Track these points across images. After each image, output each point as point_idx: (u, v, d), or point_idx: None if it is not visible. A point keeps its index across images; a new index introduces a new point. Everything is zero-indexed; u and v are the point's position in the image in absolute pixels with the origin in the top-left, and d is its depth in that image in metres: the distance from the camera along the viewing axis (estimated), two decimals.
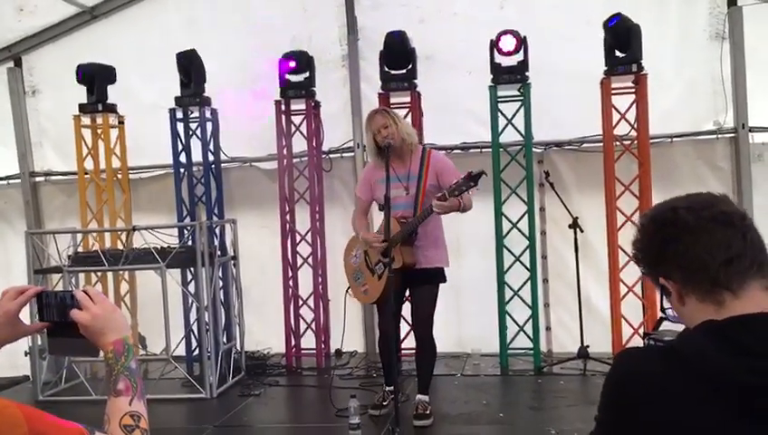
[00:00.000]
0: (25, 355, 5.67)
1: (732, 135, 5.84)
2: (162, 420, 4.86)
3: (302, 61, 6.09)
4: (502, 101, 5.73)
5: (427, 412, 4.48)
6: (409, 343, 5.30)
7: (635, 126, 5.59)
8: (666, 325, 4.57)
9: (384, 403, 4.65)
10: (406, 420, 4.36)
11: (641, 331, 5.43)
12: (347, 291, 4.79)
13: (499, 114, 5.71)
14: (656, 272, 1.29)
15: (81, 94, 6.30)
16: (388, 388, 4.70)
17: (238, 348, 6.00)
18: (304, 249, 6.38)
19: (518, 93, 5.68)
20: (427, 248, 4.47)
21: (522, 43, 5.50)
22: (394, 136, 4.40)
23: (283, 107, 6.27)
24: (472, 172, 4.11)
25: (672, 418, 1.15)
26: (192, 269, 5.76)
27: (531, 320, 5.74)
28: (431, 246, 4.48)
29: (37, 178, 7.17)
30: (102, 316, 1.46)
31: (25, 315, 1.59)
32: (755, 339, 1.14)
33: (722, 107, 5.82)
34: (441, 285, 4.58)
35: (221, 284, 6.05)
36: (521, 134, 5.71)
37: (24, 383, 6.03)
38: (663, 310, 1.33)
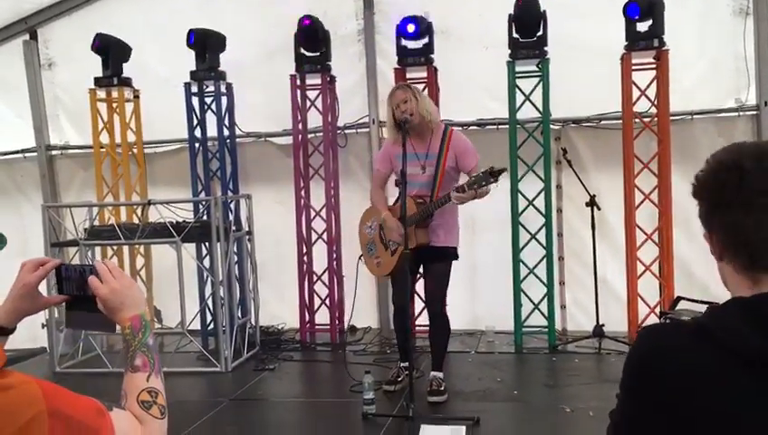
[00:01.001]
0: (42, 327, 5.73)
1: (754, 112, 5.75)
2: (177, 394, 4.90)
3: (319, 31, 6.01)
4: (519, 77, 5.66)
5: (442, 389, 4.49)
6: (423, 320, 5.30)
7: (655, 103, 5.50)
8: (683, 305, 4.53)
9: (399, 379, 4.66)
10: (420, 397, 4.37)
11: (657, 310, 5.40)
12: (359, 258, 4.80)
13: (517, 90, 5.65)
14: (704, 221, 1.24)
15: (96, 68, 6.29)
16: (402, 364, 4.70)
17: (253, 323, 6.03)
18: (319, 225, 6.37)
19: (536, 69, 5.61)
20: (442, 227, 4.47)
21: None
22: (413, 111, 4.36)
23: (298, 81, 6.23)
24: (494, 168, 4.06)
25: (699, 395, 1.12)
26: (207, 244, 5.77)
27: (546, 298, 5.71)
28: (445, 227, 4.48)
29: (53, 152, 7.19)
30: (121, 291, 1.45)
31: (43, 288, 1.58)
32: None
33: (744, 84, 5.72)
34: (456, 263, 4.58)
35: (236, 259, 6.06)
36: (538, 111, 5.64)
37: (42, 355, 6.10)
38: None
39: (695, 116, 5.77)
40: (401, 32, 5.75)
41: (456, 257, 4.58)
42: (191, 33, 5.97)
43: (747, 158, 1.18)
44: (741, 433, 1.09)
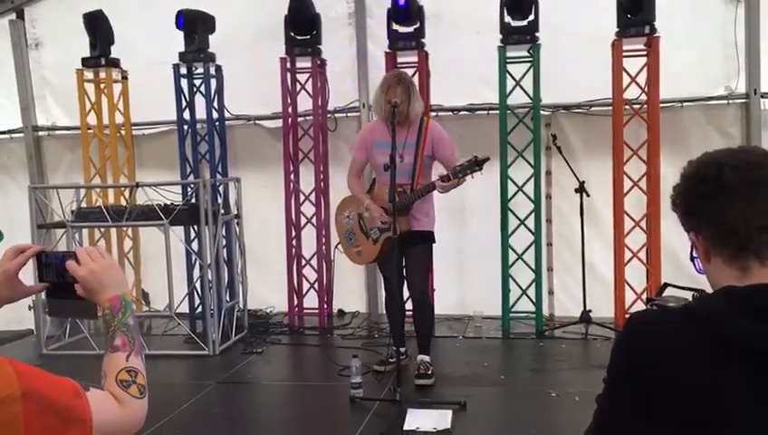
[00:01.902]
0: (29, 310, 5.71)
1: (743, 101, 5.76)
2: (165, 376, 4.91)
3: (309, 14, 5.96)
4: (510, 63, 5.65)
5: (429, 373, 4.51)
6: (409, 305, 5.31)
7: (645, 90, 5.51)
8: (669, 291, 4.56)
9: (391, 360, 4.66)
10: (407, 380, 4.39)
11: (644, 296, 5.43)
12: (336, 247, 4.82)
13: (507, 76, 5.63)
14: (688, 223, 1.25)
15: (84, 48, 6.22)
16: (395, 348, 4.72)
17: (241, 306, 6.02)
18: (308, 209, 6.36)
19: (527, 55, 5.59)
20: (420, 213, 4.54)
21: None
22: (404, 112, 4.40)
23: (288, 64, 6.19)
24: (478, 157, 4.21)
25: (685, 379, 1.13)
26: (195, 227, 5.75)
27: (534, 284, 5.74)
28: (423, 213, 4.56)
29: (40, 133, 7.13)
30: (100, 272, 1.44)
31: (29, 275, 1.56)
32: None
33: (734, 72, 5.73)
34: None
35: (224, 242, 6.04)
36: (529, 96, 5.63)
37: (28, 337, 6.09)
38: (692, 259, 1.28)
39: (684, 103, 5.78)
40: (395, 4, 5.69)
41: (434, 240, 4.66)
42: (179, 15, 5.91)
43: (724, 156, 1.22)
44: (728, 420, 1.10)
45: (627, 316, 1.37)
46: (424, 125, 4.53)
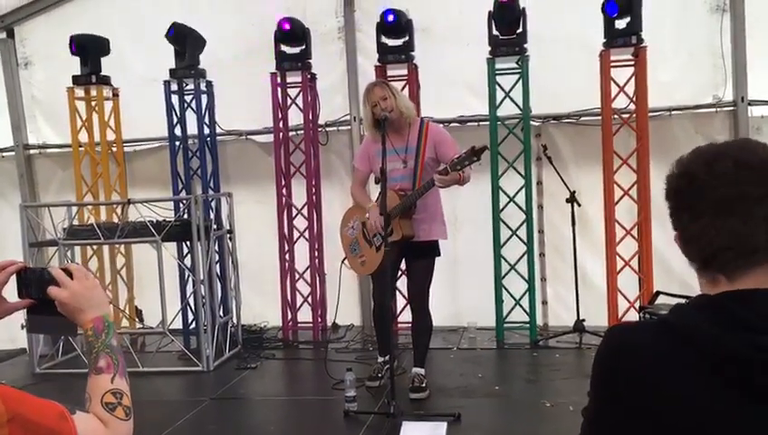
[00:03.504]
0: (22, 328, 5.64)
1: (731, 108, 5.81)
2: (159, 393, 4.89)
3: (298, 30, 6.00)
4: (499, 74, 5.68)
5: (423, 385, 4.50)
6: (406, 316, 5.31)
7: (633, 99, 5.55)
8: (662, 299, 4.58)
9: (380, 375, 4.66)
10: (402, 393, 4.37)
11: (637, 305, 5.45)
12: (342, 262, 4.79)
13: (497, 87, 5.67)
14: (672, 218, 1.24)
15: (74, 66, 6.23)
16: (381, 359, 4.72)
17: (235, 321, 6.01)
18: (300, 223, 6.36)
19: (516, 66, 5.63)
20: (426, 221, 4.47)
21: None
22: (392, 108, 4.37)
23: (278, 79, 6.21)
24: (475, 147, 4.08)
25: (663, 391, 1.13)
26: (188, 243, 5.75)
27: (527, 294, 5.75)
28: (429, 219, 4.49)
29: (31, 151, 7.12)
30: (81, 293, 1.43)
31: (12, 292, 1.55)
32: (754, 314, 1.11)
33: (721, 80, 5.77)
34: (438, 259, 4.59)
35: (217, 257, 6.04)
36: (519, 107, 5.67)
37: (21, 356, 6.05)
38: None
39: (672, 112, 5.82)
40: (384, 21, 5.73)
41: (439, 253, 4.59)
42: (171, 28, 5.92)
43: (699, 163, 1.18)
44: (706, 429, 1.11)
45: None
46: (424, 128, 4.50)
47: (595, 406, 1.25)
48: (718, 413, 1.10)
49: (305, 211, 6.32)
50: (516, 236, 5.76)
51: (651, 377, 1.14)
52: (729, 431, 1.09)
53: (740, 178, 1.13)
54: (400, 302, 5.81)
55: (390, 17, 5.69)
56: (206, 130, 6.30)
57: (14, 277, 1.52)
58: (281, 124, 6.26)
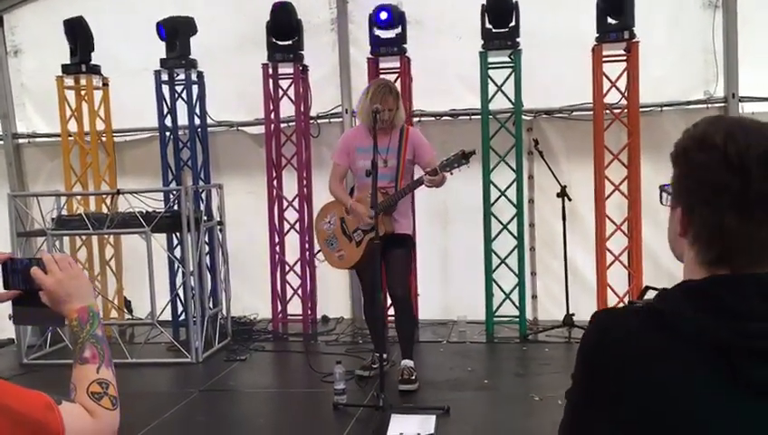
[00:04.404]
0: (9, 319, 5.62)
1: (722, 105, 5.82)
2: (147, 385, 4.88)
3: (291, 20, 5.96)
4: (492, 68, 5.67)
5: (413, 378, 4.51)
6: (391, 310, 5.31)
7: (625, 94, 5.55)
8: (651, 294, 4.59)
9: (373, 365, 4.66)
10: (391, 386, 4.38)
11: (626, 299, 5.47)
12: (315, 255, 4.83)
13: (489, 81, 5.66)
14: (676, 197, 1.17)
15: (64, 55, 6.17)
16: (378, 354, 4.72)
17: (224, 313, 5.99)
18: (291, 215, 6.34)
19: (509, 60, 5.63)
20: (401, 216, 4.60)
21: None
22: (390, 120, 4.50)
23: (270, 71, 6.18)
24: (464, 151, 4.26)
25: (648, 376, 1.13)
26: (178, 234, 5.72)
27: (517, 288, 5.76)
28: (404, 214, 4.64)
29: (20, 140, 7.06)
30: (67, 282, 1.42)
31: None
32: (740, 299, 1.10)
33: (712, 76, 5.79)
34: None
35: (207, 249, 6.01)
36: (510, 101, 5.66)
37: (9, 346, 6.01)
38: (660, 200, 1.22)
39: (664, 108, 5.83)
40: (375, 20, 5.73)
41: (414, 244, 4.75)
42: (159, 27, 5.88)
43: (756, 144, 1.07)
44: (692, 415, 1.11)
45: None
46: (405, 131, 4.63)
47: (577, 390, 1.25)
48: (705, 402, 1.10)
49: (296, 203, 6.30)
50: (507, 230, 5.77)
51: (637, 366, 1.14)
52: (716, 421, 1.09)
53: None
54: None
55: (384, 15, 5.67)
56: (197, 121, 6.26)
57: None
58: (272, 116, 6.23)
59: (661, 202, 1.22)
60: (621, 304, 5.51)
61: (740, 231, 1.08)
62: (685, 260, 1.20)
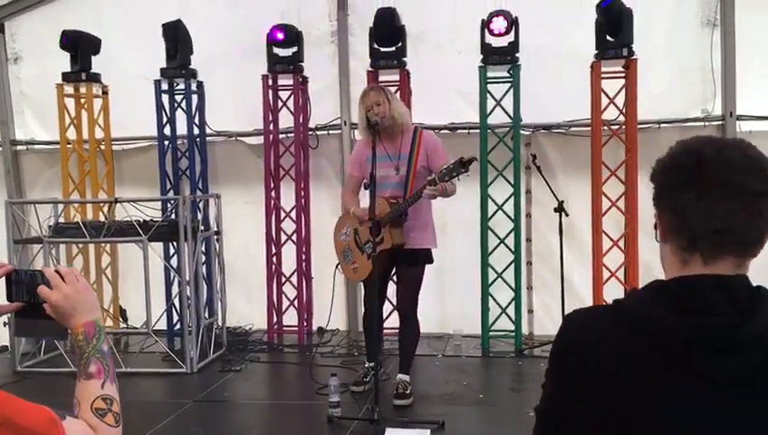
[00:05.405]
0: (4, 326, 5.61)
1: (719, 123, 5.85)
2: (142, 394, 4.86)
3: (291, 35, 6.00)
4: (491, 83, 5.70)
5: (408, 392, 4.49)
6: (393, 322, 5.30)
7: (623, 111, 5.57)
8: None
9: (366, 379, 4.66)
10: (386, 400, 4.36)
11: None
12: (336, 267, 4.78)
13: (488, 95, 5.68)
14: (655, 201, 1.26)
15: (64, 63, 6.19)
16: (368, 364, 4.72)
17: (220, 323, 5.98)
18: (288, 226, 6.34)
19: (507, 75, 5.65)
20: (416, 229, 4.47)
21: (512, 24, 5.46)
22: (385, 114, 4.38)
23: (270, 82, 6.20)
24: (463, 158, 4.08)
25: (619, 377, 1.16)
26: (175, 243, 5.71)
27: (513, 302, 5.75)
28: (419, 227, 4.49)
29: (19, 147, 7.06)
30: (73, 296, 1.41)
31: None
32: (700, 298, 1.14)
33: (710, 94, 5.82)
34: (426, 266, 4.60)
35: (204, 258, 6.00)
36: (509, 116, 5.68)
37: (3, 354, 5.98)
38: (656, 237, 1.31)
39: (662, 125, 5.85)
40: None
41: (431, 261, 4.59)
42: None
43: (709, 146, 1.21)
44: (657, 415, 1.13)
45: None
46: (418, 135, 4.51)
47: (550, 393, 1.28)
48: (667, 396, 1.13)
49: (293, 214, 6.30)
50: (504, 244, 5.77)
51: (606, 364, 1.18)
52: (678, 414, 1.12)
53: (745, 169, 1.17)
54: (387, 307, 5.78)
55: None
56: (196, 131, 6.27)
57: (2, 279, 1.49)
58: (271, 126, 6.24)
59: (656, 239, 1.30)
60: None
61: (701, 212, 1.17)
62: (666, 263, 1.26)
